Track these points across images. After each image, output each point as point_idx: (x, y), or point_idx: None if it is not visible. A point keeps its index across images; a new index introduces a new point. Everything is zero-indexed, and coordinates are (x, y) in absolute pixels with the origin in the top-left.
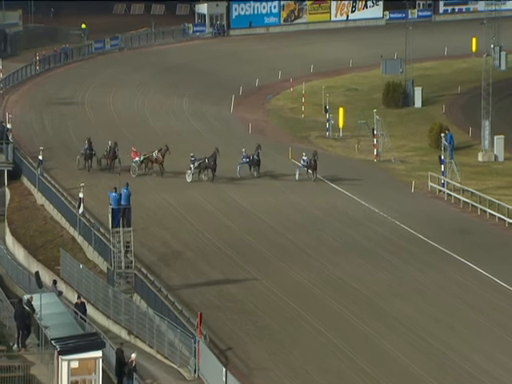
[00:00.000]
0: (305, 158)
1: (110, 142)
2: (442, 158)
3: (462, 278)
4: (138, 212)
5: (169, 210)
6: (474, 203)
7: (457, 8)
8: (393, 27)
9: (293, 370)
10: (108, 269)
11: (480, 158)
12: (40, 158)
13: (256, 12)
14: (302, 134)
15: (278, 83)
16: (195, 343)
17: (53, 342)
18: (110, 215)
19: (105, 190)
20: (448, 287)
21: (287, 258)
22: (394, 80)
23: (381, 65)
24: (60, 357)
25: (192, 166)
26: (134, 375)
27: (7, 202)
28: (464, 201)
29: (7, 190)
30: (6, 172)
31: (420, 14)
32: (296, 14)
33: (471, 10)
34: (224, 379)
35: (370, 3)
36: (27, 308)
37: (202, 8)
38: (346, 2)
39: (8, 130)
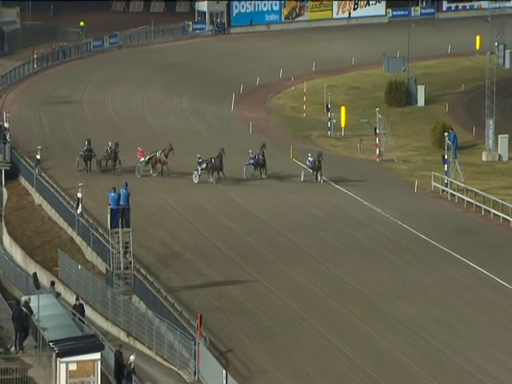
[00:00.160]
0: (310, 158)
1: (110, 143)
2: (446, 157)
3: (464, 279)
4: (137, 212)
5: (168, 210)
6: (478, 203)
7: (460, 5)
8: (395, 25)
9: (294, 371)
10: (107, 270)
11: (484, 158)
12: (38, 157)
13: (257, 9)
14: (304, 134)
15: (279, 82)
16: (195, 345)
17: (51, 343)
18: (108, 215)
19: (103, 189)
20: (450, 288)
21: (288, 258)
22: (397, 78)
23: (383, 63)
24: (58, 359)
25: (199, 167)
26: (133, 377)
27: (4, 202)
28: (468, 201)
29: (4, 190)
30: (3, 171)
31: (423, 11)
32: (297, 11)
33: (475, 7)
34: (224, 381)
35: (372, 1)
36: (25, 310)
37: (202, 5)
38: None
39: (5, 129)
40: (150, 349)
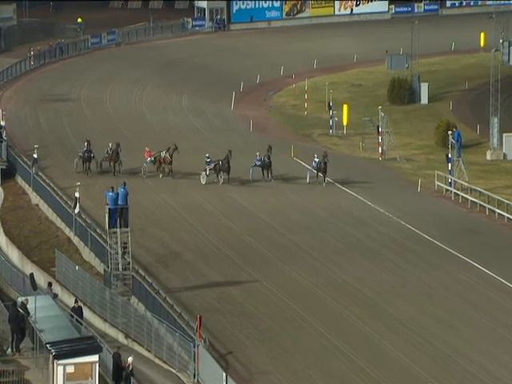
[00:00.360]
0: (316, 159)
1: (110, 144)
2: (449, 156)
3: (468, 280)
4: (135, 212)
5: (167, 210)
6: (482, 203)
7: (464, 2)
8: (398, 21)
9: (295, 374)
10: (105, 270)
11: (488, 157)
12: (35, 156)
13: (257, 6)
14: (305, 132)
15: (280, 79)
16: (194, 347)
17: (48, 345)
18: (106, 215)
19: (101, 189)
20: (454, 288)
21: (289, 259)
22: (400, 76)
23: (386, 60)
24: (55, 361)
25: (207, 167)
26: (132, 380)
27: (1, 202)
28: (472, 200)
29: (1, 189)
30: None
31: (426, 7)
32: (298, 7)
33: (479, 3)
34: None
35: None
36: (21, 311)
37: (202, 2)
38: None
39: (2, 127)
40: (149, 351)
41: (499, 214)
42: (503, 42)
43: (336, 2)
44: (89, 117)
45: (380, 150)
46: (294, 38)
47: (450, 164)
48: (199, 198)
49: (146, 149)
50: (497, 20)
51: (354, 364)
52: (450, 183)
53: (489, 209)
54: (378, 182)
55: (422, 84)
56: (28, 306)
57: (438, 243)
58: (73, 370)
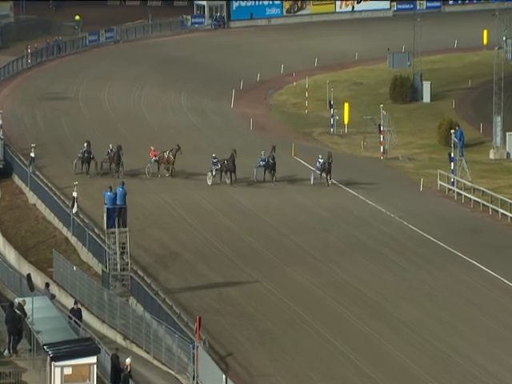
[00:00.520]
0: (321, 160)
1: (111, 146)
2: (452, 155)
3: (471, 280)
4: (134, 212)
5: (166, 210)
6: (486, 202)
7: None
8: (400, 19)
9: (296, 376)
10: (103, 271)
11: (491, 156)
12: (32, 155)
13: (257, 3)
14: (306, 131)
15: (281, 77)
16: (194, 349)
17: (45, 347)
18: (104, 215)
19: (99, 188)
20: (457, 289)
21: (290, 259)
22: (402, 74)
23: (388, 58)
24: (53, 363)
25: (214, 167)
26: (130, 382)
27: None
28: (475, 200)
29: None
30: None
31: (429, 4)
32: (299, 5)
33: (482, 0)
34: None
35: None
36: (18, 312)
37: None
38: None
39: None
40: (148, 352)
41: (502, 213)
42: (506, 39)
43: None
44: (86, 116)
45: (382, 149)
46: (294, 36)
47: (452, 163)
48: (199, 198)
49: (151, 148)
50: (500, 17)
51: (356, 366)
52: (453, 183)
53: (492, 208)
54: (379, 181)
55: (424, 82)
56: (25, 307)
57: (440, 243)
58: (70, 372)
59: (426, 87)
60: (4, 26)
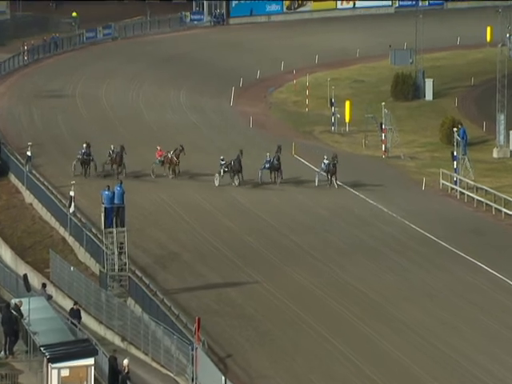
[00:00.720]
0: (326, 161)
1: (112, 147)
2: (455, 154)
3: (474, 281)
4: (132, 211)
5: (165, 210)
6: (489, 202)
7: None
8: (402, 15)
9: (296, 377)
10: (100, 271)
11: (495, 154)
12: (28, 153)
13: None
14: (306, 129)
15: (281, 75)
16: (193, 350)
17: (42, 348)
18: (102, 214)
19: (97, 188)
20: (459, 290)
21: (290, 259)
22: (404, 71)
23: (389, 55)
24: (50, 364)
25: (222, 169)
26: None
27: None
28: (478, 199)
29: None
30: None
31: (431, 1)
32: (300, 1)
33: None
34: None
35: None
36: (15, 313)
37: None
38: None
39: None
40: (146, 354)
41: (506, 213)
42: (510, 36)
43: None
44: (84, 114)
45: (383, 148)
46: (294, 33)
47: (455, 162)
48: (197, 197)
49: (158, 148)
50: (503, 14)
51: (357, 367)
52: (456, 182)
53: (495, 208)
54: (381, 180)
55: (426, 80)
56: (21, 308)
57: (442, 243)
58: (67, 374)
59: (429, 85)
60: (0, 23)
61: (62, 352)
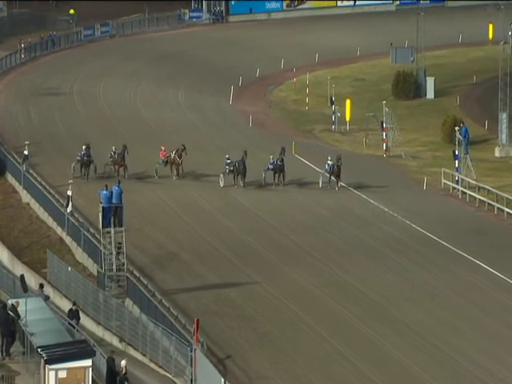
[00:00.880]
0: (330, 162)
1: (114, 148)
2: (457, 153)
3: (475, 281)
4: (130, 211)
5: (163, 209)
6: (491, 201)
7: None
8: (403, 13)
9: (296, 379)
10: (98, 272)
11: (497, 154)
12: (25, 152)
13: None
14: (306, 128)
15: (281, 73)
16: (191, 351)
17: (39, 350)
18: (100, 214)
19: (95, 187)
20: (460, 290)
21: (290, 260)
22: (405, 69)
23: (390, 53)
24: (47, 366)
25: (227, 169)
26: None
27: None
28: (480, 199)
29: None
30: None
31: None
32: None
33: None
34: None
35: None
36: (12, 314)
37: None
38: None
39: None
40: (144, 355)
41: (508, 212)
42: None
43: None
44: (82, 112)
45: (384, 147)
46: (294, 31)
47: (457, 161)
48: (196, 196)
49: (162, 147)
50: (505, 11)
51: (357, 368)
52: (457, 181)
53: (497, 208)
54: (382, 179)
55: (427, 78)
56: (18, 309)
57: (444, 243)
58: (65, 375)
59: (430, 83)
60: None
61: (60, 353)
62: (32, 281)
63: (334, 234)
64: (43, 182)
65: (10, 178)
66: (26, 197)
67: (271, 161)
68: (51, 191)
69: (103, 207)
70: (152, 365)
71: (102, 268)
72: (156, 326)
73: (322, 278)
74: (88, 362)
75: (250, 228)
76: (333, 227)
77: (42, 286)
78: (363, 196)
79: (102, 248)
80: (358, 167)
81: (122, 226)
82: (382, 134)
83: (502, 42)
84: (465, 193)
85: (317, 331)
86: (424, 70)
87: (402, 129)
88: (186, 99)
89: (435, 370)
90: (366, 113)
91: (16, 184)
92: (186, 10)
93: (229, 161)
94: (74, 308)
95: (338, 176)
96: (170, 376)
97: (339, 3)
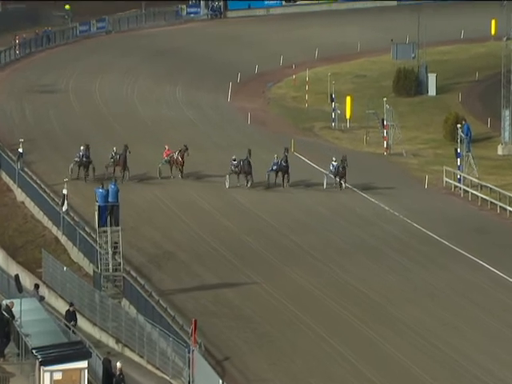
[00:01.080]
0: (334, 163)
1: (115, 148)
2: (459, 150)
3: (477, 280)
4: (126, 210)
5: (160, 208)
6: (493, 200)
7: None
8: (404, 8)
9: (295, 380)
10: (94, 272)
11: (500, 151)
12: (20, 150)
13: None
14: (306, 125)
15: (280, 70)
16: (189, 352)
17: (34, 351)
18: (96, 213)
19: (91, 186)
20: (461, 290)
21: (289, 260)
22: (406, 66)
23: (391, 49)
24: (42, 367)
25: (233, 170)
26: None
27: None
28: (482, 197)
29: None
30: None
31: None
32: None
33: None
34: None
35: None
36: (6, 314)
37: None
38: None
39: None
40: (141, 356)
41: (511, 211)
42: None
43: None
44: (77, 109)
45: (385, 145)
46: (294, 26)
47: (459, 159)
48: (193, 195)
49: (166, 147)
50: (508, 7)
51: (357, 369)
52: (459, 179)
53: (500, 206)
54: (382, 178)
55: (429, 74)
56: (13, 309)
57: (445, 242)
58: (60, 377)
59: (432, 80)
60: None
61: (55, 354)
62: (27, 281)
63: (334, 233)
64: (38, 181)
65: (4, 176)
66: (20, 195)
67: (275, 161)
68: (46, 189)
69: (99, 206)
70: (149, 366)
71: (98, 268)
72: (153, 327)
73: (321, 278)
74: (84, 364)
75: (250, 228)
76: (333, 226)
77: (37, 286)
78: (363, 195)
79: (98, 247)
80: (358, 165)
81: (118, 225)
82: (383, 132)
83: (504, 38)
84: (467, 191)
85: (316, 332)
86: (425, 66)
87: (403, 126)
88: (184, 96)
89: (435, 370)
90: (367, 110)
91: (10, 182)
92: (184, 6)
93: (235, 162)
94: (71, 309)
95: (342, 177)
96: (168, 378)
97: None
